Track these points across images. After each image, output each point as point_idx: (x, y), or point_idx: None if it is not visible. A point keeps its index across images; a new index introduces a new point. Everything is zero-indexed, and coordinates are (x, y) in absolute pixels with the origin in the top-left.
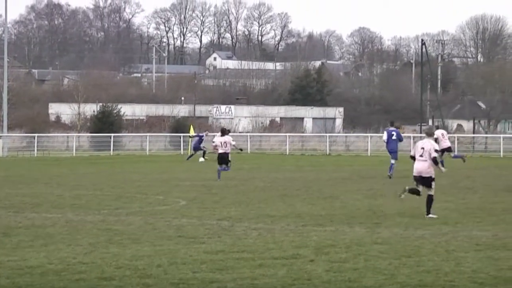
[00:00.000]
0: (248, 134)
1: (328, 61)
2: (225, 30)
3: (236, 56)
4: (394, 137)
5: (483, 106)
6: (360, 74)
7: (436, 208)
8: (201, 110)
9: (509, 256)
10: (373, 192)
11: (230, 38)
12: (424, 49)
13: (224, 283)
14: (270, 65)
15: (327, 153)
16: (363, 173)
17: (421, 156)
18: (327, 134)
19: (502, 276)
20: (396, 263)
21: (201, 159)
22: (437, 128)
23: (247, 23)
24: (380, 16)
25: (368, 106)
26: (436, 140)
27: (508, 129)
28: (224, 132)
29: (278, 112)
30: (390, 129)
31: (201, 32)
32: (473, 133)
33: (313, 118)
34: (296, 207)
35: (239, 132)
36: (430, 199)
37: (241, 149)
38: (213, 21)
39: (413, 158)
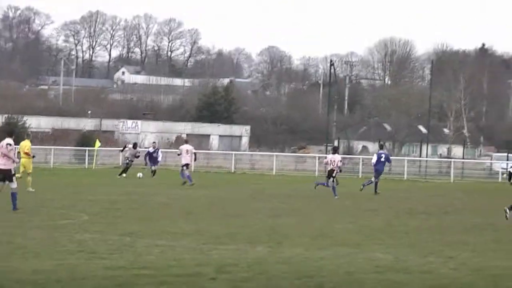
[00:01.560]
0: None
1: (237, 79)
2: (134, 44)
3: (145, 71)
4: (382, 159)
5: (388, 128)
6: (268, 92)
7: (337, 230)
8: (108, 124)
9: (409, 279)
10: (276, 212)
11: (140, 53)
12: (332, 70)
13: None
14: (178, 81)
15: (232, 171)
16: (267, 192)
17: None
18: (233, 152)
19: None
20: (297, 283)
21: (139, 174)
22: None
23: (157, 38)
24: (289, 36)
25: (275, 125)
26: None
27: (413, 152)
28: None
29: (184, 128)
30: (380, 152)
31: (111, 46)
32: None
33: (220, 136)
34: (199, 225)
35: (145, 147)
36: None
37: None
38: (122, 35)
39: None
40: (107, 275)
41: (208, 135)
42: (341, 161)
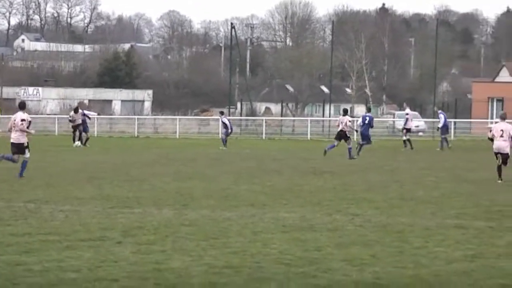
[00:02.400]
0: (56, 116)
1: (138, 44)
2: (33, 11)
3: (45, 38)
4: (366, 121)
5: (291, 89)
6: (169, 57)
7: (243, 191)
8: (9, 92)
9: (316, 237)
10: (181, 175)
11: (39, 20)
12: (233, 33)
13: (30, 265)
14: (79, 48)
15: (136, 136)
16: (171, 156)
17: (501, 136)
18: (136, 117)
19: (308, 257)
20: (203, 245)
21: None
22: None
23: (56, 4)
24: (189, 0)
25: (177, 89)
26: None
27: (316, 112)
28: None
29: (86, 94)
30: (365, 115)
31: (9, 14)
32: (281, 116)
33: (122, 101)
34: (104, 190)
35: (47, 114)
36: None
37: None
38: (21, 2)
39: (491, 139)
40: (12, 241)
41: (111, 101)
42: (350, 121)
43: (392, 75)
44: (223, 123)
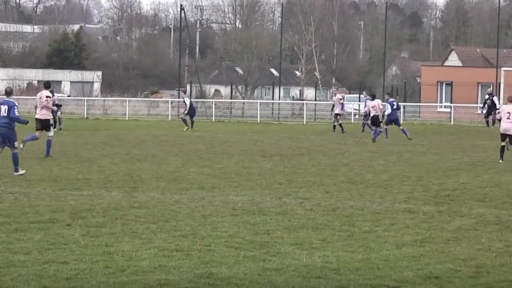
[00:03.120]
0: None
1: (87, 25)
2: None
3: None
4: (395, 107)
5: (240, 72)
6: (118, 38)
7: (192, 173)
8: None
9: (265, 220)
10: (131, 157)
11: None
12: (182, 15)
13: None
14: (28, 28)
15: (85, 117)
16: (120, 138)
17: (508, 118)
18: (85, 98)
19: (258, 241)
20: (153, 227)
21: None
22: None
23: None
24: None
25: (127, 70)
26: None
27: (265, 95)
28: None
29: (35, 75)
30: (391, 100)
31: None
32: (231, 98)
33: (71, 82)
34: (53, 171)
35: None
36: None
37: None
38: None
39: (499, 120)
40: None
41: (60, 82)
42: (382, 104)
43: (341, 58)
44: (184, 102)
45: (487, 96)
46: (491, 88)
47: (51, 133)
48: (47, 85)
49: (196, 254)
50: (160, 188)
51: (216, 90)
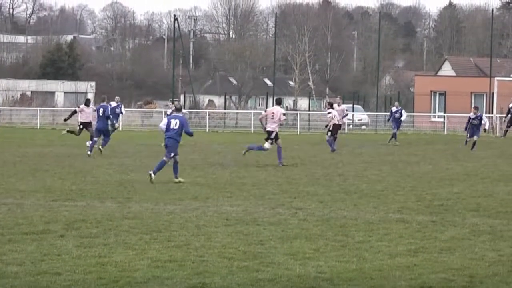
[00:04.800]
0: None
1: (80, 36)
2: None
3: None
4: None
5: (234, 82)
6: (112, 48)
7: (186, 184)
8: None
9: (259, 230)
10: (125, 167)
11: None
12: (176, 25)
13: None
14: (21, 38)
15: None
16: (114, 148)
17: None
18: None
19: (252, 251)
20: (146, 238)
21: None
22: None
23: None
24: None
25: (120, 80)
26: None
27: (259, 105)
28: None
29: (29, 86)
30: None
31: None
32: (224, 108)
33: (65, 92)
34: (47, 182)
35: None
36: None
37: None
38: None
39: None
40: None
41: (53, 92)
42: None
43: (335, 68)
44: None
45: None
46: None
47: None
48: (277, 101)
49: (189, 264)
50: (153, 199)
51: (209, 101)
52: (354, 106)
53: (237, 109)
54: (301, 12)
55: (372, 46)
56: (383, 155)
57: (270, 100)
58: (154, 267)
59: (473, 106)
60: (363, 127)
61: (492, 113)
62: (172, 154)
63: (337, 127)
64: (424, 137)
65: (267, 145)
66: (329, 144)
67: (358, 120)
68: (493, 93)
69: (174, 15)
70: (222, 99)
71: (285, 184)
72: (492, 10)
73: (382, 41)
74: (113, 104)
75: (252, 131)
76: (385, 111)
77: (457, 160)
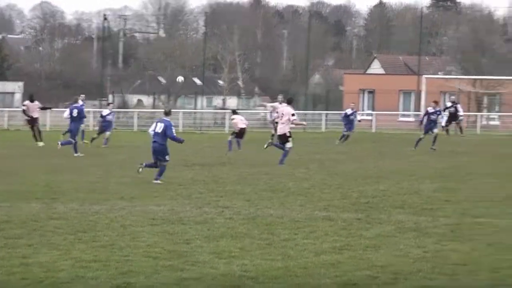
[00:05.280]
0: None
1: (9, 35)
2: None
3: None
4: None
5: (163, 81)
6: (41, 48)
7: (112, 184)
8: None
9: (185, 230)
10: (52, 168)
11: None
12: (106, 24)
13: None
14: None
15: (6, 128)
16: (42, 148)
17: None
18: (6, 109)
19: (177, 250)
20: (71, 238)
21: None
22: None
23: None
24: None
25: (49, 80)
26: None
27: (188, 104)
28: None
29: None
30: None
31: None
32: (153, 108)
33: None
34: None
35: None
36: None
37: None
38: None
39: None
40: None
41: None
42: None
43: (265, 67)
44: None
45: (449, 104)
46: (455, 96)
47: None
48: (288, 100)
49: (114, 264)
50: (79, 199)
51: (138, 100)
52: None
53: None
54: (231, 11)
55: (301, 45)
56: (310, 154)
57: (199, 100)
58: (79, 267)
59: (432, 100)
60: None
61: (420, 111)
62: (167, 157)
63: (243, 131)
64: (353, 135)
65: (289, 144)
66: (229, 144)
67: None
68: (421, 91)
69: (104, 15)
70: (151, 99)
71: (212, 183)
72: (421, 8)
73: (312, 39)
74: (80, 102)
75: (181, 130)
76: (314, 110)
77: (385, 158)
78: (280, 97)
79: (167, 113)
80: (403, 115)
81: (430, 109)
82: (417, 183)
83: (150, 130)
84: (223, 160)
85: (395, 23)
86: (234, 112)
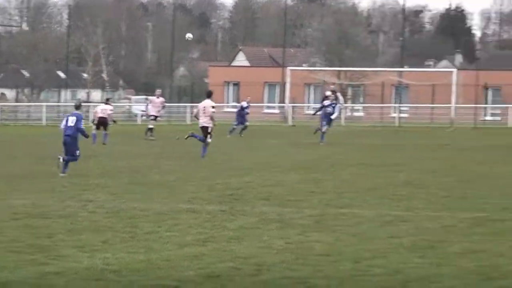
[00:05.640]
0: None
1: None
2: None
3: None
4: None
5: (27, 74)
6: None
7: None
8: None
9: (47, 224)
10: None
11: None
12: None
13: None
14: None
15: None
16: None
17: None
18: None
19: (39, 244)
20: None
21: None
22: None
23: None
24: None
25: None
26: None
27: (52, 98)
28: None
29: None
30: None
31: None
32: (16, 101)
33: None
34: None
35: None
36: None
37: None
38: None
39: None
40: None
41: None
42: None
43: (129, 59)
44: None
45: (329, 93)
46: (334, 86)
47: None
48: (208, 94)
49: None
50: None
51: (1, 94)
52: (148, 97)
53: (29, 102)
54: (95, 4)
55: (166, 37)
56: (176, 146)
57: (63, 93)
58: None
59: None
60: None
61: (284, 103)
62: (78, 152)
63: (102, 120)
64: (218, 127)
65: (209, 139)
66: (93, 137)
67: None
68: (286, 83)
69: None
70: (14, 92)
71: (76, 177)
72: (286, 1)
73: (177, 32)
74: None
75: (44, 124)
76: (179, 102)
77: (251, 150)
78: (158, 91)
79: (78, 107)
80: (268, 107)
81: (327, 102)
82: (282, 174)
83: (62, 125)
84: (88, 154)
85: (260, 15)
86: (107, 101)
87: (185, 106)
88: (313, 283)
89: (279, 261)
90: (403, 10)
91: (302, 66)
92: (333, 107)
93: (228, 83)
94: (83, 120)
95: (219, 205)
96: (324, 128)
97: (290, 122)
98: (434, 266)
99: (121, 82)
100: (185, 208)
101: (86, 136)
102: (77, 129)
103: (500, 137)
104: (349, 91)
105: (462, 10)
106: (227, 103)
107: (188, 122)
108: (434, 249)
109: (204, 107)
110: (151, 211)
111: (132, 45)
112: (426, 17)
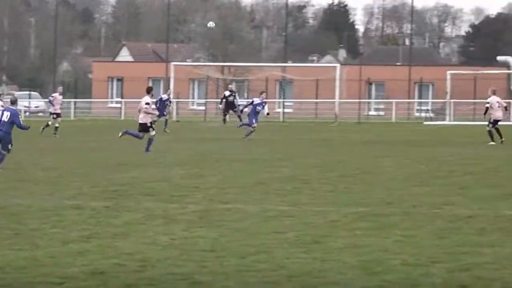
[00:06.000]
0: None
1: None
2: None
3: None
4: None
5: None
6: None
7: None
8: None
9: None
10: None
11: None
12: None
13: None
14: None
15: None
16: None
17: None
18: None
19: None
20: None
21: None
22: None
23: None
24: None
25: None
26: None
27: None
28: None
29: None
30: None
31: None
32: None
33: None
34: None
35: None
36: None
37: None
38: None
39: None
40: None
41: None
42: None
43: (12, 55)
44: None
45: (228, 93)
46: (232, 85)
47: (152, 133)
48: (148, 90)
49: None
50: None
51: None
52: (31, 93)
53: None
54: None
55: (49, 32)
56: (59, 142)
57: None
58: None
59: (260, 90)
60: (40, 113)
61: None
62: (10, 146)
63: None
64: (102, 123)
65: (152, 132)
66: None
67: (35, 107)
68: (170, 78)
69: None
70: None
71: None
72: None
73: (60, 27)
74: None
75: None
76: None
77: (135, 145)
78: (60, 88)
79: (13, 102)
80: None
81: (257, 100)
82: (167, 170)
83: None
84: None
85: (143, 11)
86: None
87: (69, 102)
88: (197, 279)
89: (164, 257)
90: (286, 5)
91: (186, 62)
92: (263, 106)
93: (112, 78)
94: (19, 116)
95: (104, 201)
96: (254, 125)
97: (174, 118)
98: (318, 261)
99: (4, 77)
100: (70, 205)
101: (26, 128)
102: (13, 125)
103: (384, 132)
104: (234, 86)
105: (345, 5)
106: (111, 98)
107: (72, 117)
108: (318, 244)
109: (140, 103)
110: (35, 207)
111: (15, 41)
112: (310, 12)
